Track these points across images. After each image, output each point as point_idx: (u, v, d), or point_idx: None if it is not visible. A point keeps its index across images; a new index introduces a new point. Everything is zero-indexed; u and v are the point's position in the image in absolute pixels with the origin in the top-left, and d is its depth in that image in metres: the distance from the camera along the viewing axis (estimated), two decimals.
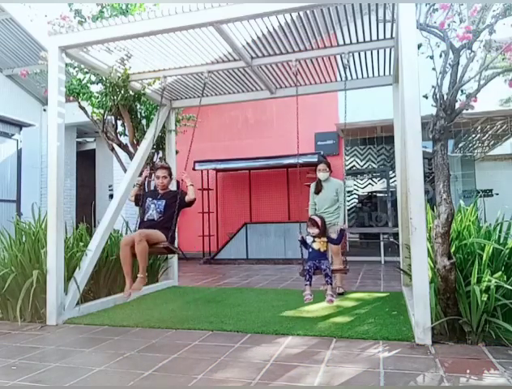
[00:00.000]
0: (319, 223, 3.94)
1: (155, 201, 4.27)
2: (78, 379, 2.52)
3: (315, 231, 3.93)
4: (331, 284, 3.90)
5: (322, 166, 5.18)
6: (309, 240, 4.00)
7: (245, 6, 3.68)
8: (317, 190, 5.22)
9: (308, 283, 3.88)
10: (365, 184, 10.35)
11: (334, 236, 4.40)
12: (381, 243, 9.01)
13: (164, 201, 4.25)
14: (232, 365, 2.70)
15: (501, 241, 3.36)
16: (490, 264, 3.17)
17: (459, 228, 3.54)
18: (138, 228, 4.20)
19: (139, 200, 4.42)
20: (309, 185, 5.47)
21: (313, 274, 3.90)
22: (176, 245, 4.89)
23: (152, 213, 4.20)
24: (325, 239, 3.98)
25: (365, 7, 4.00)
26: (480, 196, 3.83)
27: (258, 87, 5.89)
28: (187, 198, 4.22)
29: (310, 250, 3.97)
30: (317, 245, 3.93)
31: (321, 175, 5.18)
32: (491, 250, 3.14)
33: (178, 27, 3.97)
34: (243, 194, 10.78)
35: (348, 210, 10.00)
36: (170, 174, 4.49)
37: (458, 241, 3.44)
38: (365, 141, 9.96)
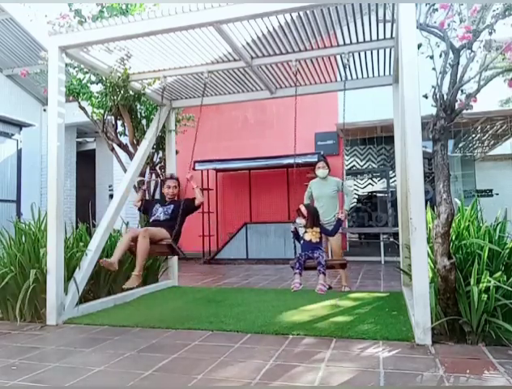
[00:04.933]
0: (305, 213, 3.81)
1: (164, 207, 4.50)
2: (78, 379, 2.52)
3: (302, 221, 3.82)
4: (324, 274, 3.68)
5: (321, 164, 5.34)
6: (301, 231, 3.88)
7: (245, 6, 3.67)
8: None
9: (297, 271, 3.68)
10: (365, 184, 10.35)
11: (329, 227, 4.32)
12: (381, 243, 9.01)
13: (172, 206, 4.47)
14: (232, 365, 2.70)
15: (502, 241, 3.35)
16: (490, 264, 3.17)
17: (458, 228, 3.53)
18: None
19: (145, 206, 4.60)
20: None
21: (304, 263, 3.71)
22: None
23: (159, 215, 4.40)
24: (317, 229, 3.82)
25: (365, 7, 4.00)
26: (477, 197, 3.83)
27: (258, 87, 5.88)
28: (197, 203, 4.40)
29: (302, 241, 3.85)
30: (309, 235, 3.79)
31: (320, 172, 5.25)
32: (490, 251, 3.14)
33: (178, 27, 3.97)
34: (243, 194, 10.78)
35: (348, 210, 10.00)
36: (178, 185, 4.79)
37: (458, 241, 3.44)
38: (365, 141, 9.95)
